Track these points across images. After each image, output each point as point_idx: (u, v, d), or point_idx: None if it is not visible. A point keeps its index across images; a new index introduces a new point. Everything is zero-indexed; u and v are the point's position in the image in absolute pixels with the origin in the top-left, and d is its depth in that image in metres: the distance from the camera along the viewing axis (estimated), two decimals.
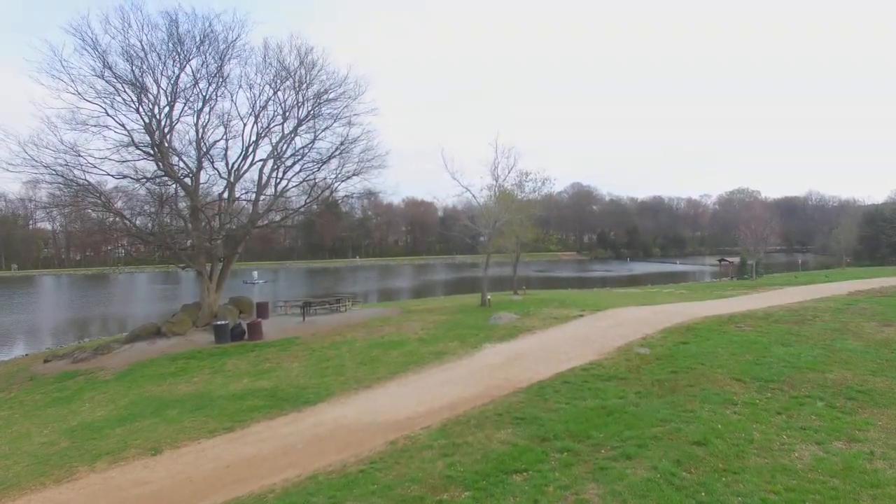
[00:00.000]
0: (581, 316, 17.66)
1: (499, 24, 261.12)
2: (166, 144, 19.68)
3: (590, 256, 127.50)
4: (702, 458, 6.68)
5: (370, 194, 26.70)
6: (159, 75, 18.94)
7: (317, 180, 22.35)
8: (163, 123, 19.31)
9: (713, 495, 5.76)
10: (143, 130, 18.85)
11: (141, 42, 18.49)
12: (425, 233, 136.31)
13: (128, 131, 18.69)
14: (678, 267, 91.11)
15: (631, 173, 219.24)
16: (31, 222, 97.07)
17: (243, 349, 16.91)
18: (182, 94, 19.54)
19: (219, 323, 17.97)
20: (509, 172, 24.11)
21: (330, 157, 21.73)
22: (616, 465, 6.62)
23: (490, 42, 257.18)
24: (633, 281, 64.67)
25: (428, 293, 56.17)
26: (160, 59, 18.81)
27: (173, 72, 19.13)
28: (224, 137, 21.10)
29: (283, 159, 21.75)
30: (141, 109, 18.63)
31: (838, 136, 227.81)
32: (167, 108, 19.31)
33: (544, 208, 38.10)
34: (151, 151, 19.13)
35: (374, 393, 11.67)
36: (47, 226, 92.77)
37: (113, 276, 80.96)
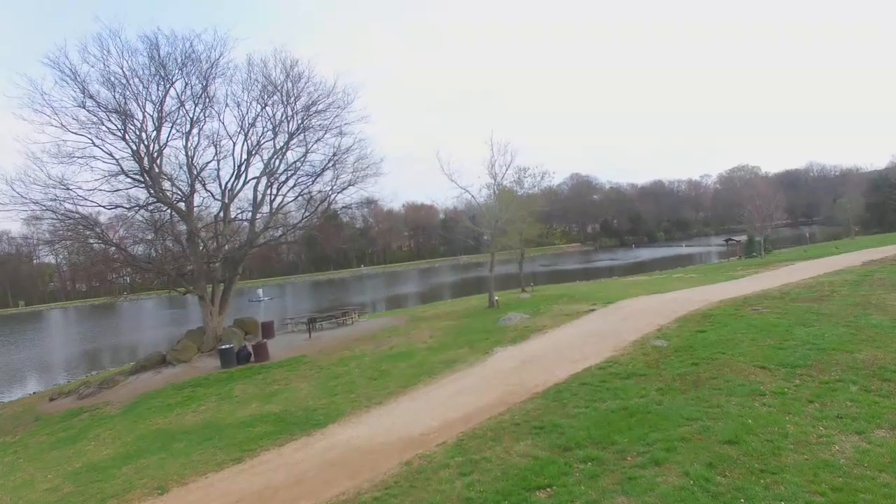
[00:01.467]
0: (592, 310, 17.23)
1: (488, 17, 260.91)
2: (156, 170, 19.39)
3: (594, 246, 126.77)
4: (735, 458, 6.25)
5: (368, 202, 26.36)
6: (143, 100, 18.67)
7: (312, 193, 22.05)
8: (151, 149, 19.01)
9: (753, 501, 5.34)
10: (132, 158, 18.56)
11: (122, 68, 18.23)
12: (428, 236, 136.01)
13: (116, 160, 18.44)
14: (684, 250, 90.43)
15: (629, 160, 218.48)
16: (35, 258, 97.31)
17: (250, 372, 16.56)
18: (168, 117, 19.26)
19: (223, 347, 17.64)
20: (507, 169, 23.74)
21: (323, 170, 21.43)
22: (645, 474, 6.20)
23: (481, 38, 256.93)
24: (640, 268, 64.05)
25: (436, 297, 55.68)
26: (143, 84, 18.56)
27: (158, 96, 18.86)
28: (215, 158, 20.84)
29: (276, 175, 21.45)
30: (127, 136, 18.35)
31: (834, 105, 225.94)
32: (154, 133, 19.04)
33: (546, 202, 37.71)
34: (142, 178, 18.82)
35: (386, 409, 11.28)
36: (51, 259, 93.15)
37: (119, 305, 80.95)
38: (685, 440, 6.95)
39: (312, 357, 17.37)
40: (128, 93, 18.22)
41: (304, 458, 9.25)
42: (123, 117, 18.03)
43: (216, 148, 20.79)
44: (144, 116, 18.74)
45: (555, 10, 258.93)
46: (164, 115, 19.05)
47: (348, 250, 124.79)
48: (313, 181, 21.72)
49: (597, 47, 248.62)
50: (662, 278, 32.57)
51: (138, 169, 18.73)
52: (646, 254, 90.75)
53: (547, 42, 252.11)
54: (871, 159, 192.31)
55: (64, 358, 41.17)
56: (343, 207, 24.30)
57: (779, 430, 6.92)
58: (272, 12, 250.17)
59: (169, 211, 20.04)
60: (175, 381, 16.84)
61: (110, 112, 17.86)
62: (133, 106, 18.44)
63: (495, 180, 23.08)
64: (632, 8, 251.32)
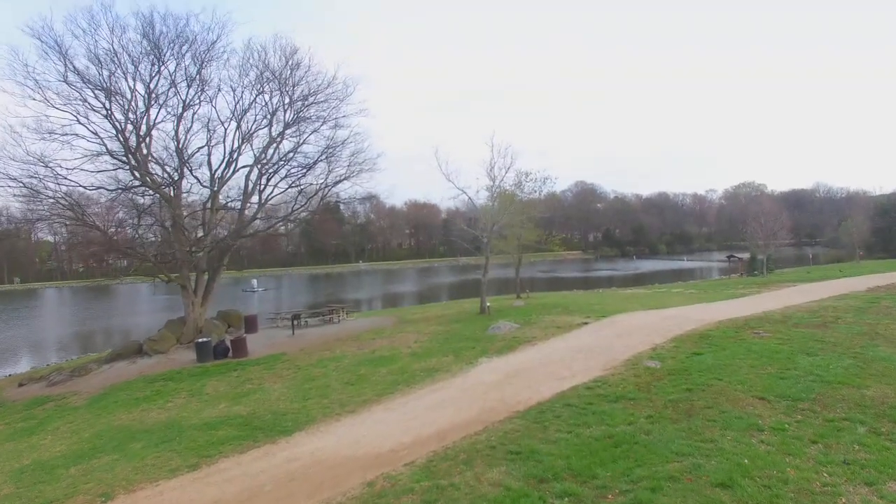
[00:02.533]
0: (585, 324, 16.53)
1: (500, 23, 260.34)
2: (144, 151, 18.73)
3: (595, 255, 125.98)
4: None
5: (366, 198, 25.69)
6: (133, 79, 18.00)
7: (302, 186, 21.38)
8: (140, 129, 18.34)
9: None
10: (116, 137, 17.85)
11: (112, 44, 17.53)
12: (429, 235, 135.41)
13: (101, 139, 17.77)
14: (685, 264, 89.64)
15: (635, 170, 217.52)
16: (33, 234, 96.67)
17: (226, 368, 15.91)
18: (158, 97, 18.56)
19: (200, 341, 16.98)
20: (506, 172, 23.05)
21: (315, 162, 20.76)
22: None
23: (490, 39, 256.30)
24: (640, 280, 63.37)
25: (432, 297, 55.09)
26: (132, 61, 17.84)
27: (149, 75, 18.18)
28: (206, 144, 20.16)
29: (267, 165, 20.78)
30: (113, 115, 17.65)
31: (844, 127, 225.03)
32: (143, 113, 18.36)
33: (546, 208, 37.02)
34: (125, 159, 18.13)
35: (358, 419, 10.61)
36: (50, 238, 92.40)
37: (115, 287, 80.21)
38: (673, 479, 6.28)
39: (292, 355, 16.71)
40: (117, 70, 17.58)
41: (263, 469, 8.59)
42: (109, 94, 17.36)
43: (208, 133, 20.17)
44: (133, 95, 18.10)
45: (573, 18, 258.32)
46: (154, 95, 18.41)
47: (347, 245, 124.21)
48: (305, 173, 21.10)
49: (609, 57, 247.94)
50: (661, 293, 31.84)
51: (123, 150, 18.05)
52: (646, 266, 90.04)
53: (561, 47, 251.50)
54: (880, 183, 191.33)
55: (51, 339, 40.56)
56: (338, 201, 23.50)
57: (778, 473, 6.24)
58: (275, 2, 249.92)
59: (155, 195, 19.38)
60: (148, 373, 16.20)
61: (96, 88, 17.19)
62: (122, 83, 17.81)
63: (494, 182, 22.42)
64: (649, 21, 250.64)
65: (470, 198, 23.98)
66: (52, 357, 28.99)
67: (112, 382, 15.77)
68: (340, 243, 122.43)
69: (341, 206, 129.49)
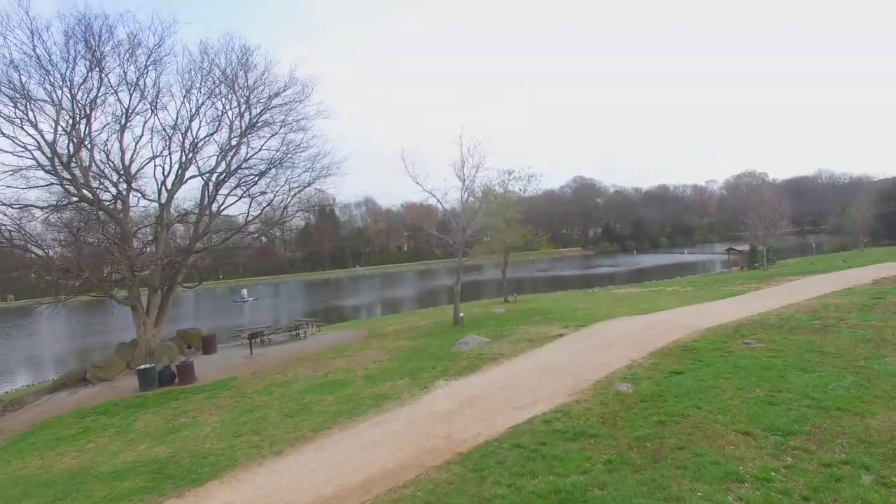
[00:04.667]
0: (561, 335, 15.04)
1: (495, 16, 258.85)
2: (86, 164, 17.34)
3: (595, 251, 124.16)
4: None
5: (319, 205, 24.18)
6: (57, 87, 16.51)
7: (254, 195, 19.96)
8: (75, 140, 16.91)
9: None
10: (40, 150, 16.42)
11: (35, 49, 16.00)
12: (427, 237, 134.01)
13: (30, 152, 16.37)
14: (686, 257, 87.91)
15: (635, 164, 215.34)
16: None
17: (167, 398, 14.52)
18: (93, 106, 17.12)
19: (143, 367, 15.59)
20: (476, 172, 21.60)
21: (267, 169, 19.35)
22: None
23: (487, 36, 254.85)
24: (639, 276, 61.76)
25: (430, 302, 53.53)
26: (53, 65, 16.41)
27: (76, 81, 16.72)
28: (153, 155, 18.78)
29: (222, 174, 19.40)
30: (33, 126, 16.21)
31: (846, 112, 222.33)
32: (73, 124, 16.91)
33: (531, 208, 35.65)
34: (54, 174, 16.68)
35: (284, 463, 9.20)
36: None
37: (108, 304, 78.82)
38: None
39: (242, 380, 15.33)
40: (44, 77, 16.14)
41: None
42: (26, 103, 15.96)
43: (152, 143, 18.72)
44: (61, 105, 16.64)
45: (567, 11, 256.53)
46: (86, 104, 16.98)
47: (345, 249, 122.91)
48: (257, 181, 19.67)
49: (606, 47, 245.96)
50: (655, 291, 30.31)
51: (50, 163, 16.59)
52: (647, 260, 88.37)
53: (555, 40, 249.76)
54: (883, 167, 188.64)
55: (18, 360, 39.22)
56: (298, 211, 22.01)
57: None
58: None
59: (96, 211, 17.96)
60: (84, 406, 14.83)
61: (15, 95, 15.70)
62: (43, 90, 16.28)
63: (464, 183, 20.94)
64: (645, 10, 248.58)
65: (438, 200, 22.57)
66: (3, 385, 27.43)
67: (44, 418, 14.41)
68: (338, 248, 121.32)
69: (336, 211, 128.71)
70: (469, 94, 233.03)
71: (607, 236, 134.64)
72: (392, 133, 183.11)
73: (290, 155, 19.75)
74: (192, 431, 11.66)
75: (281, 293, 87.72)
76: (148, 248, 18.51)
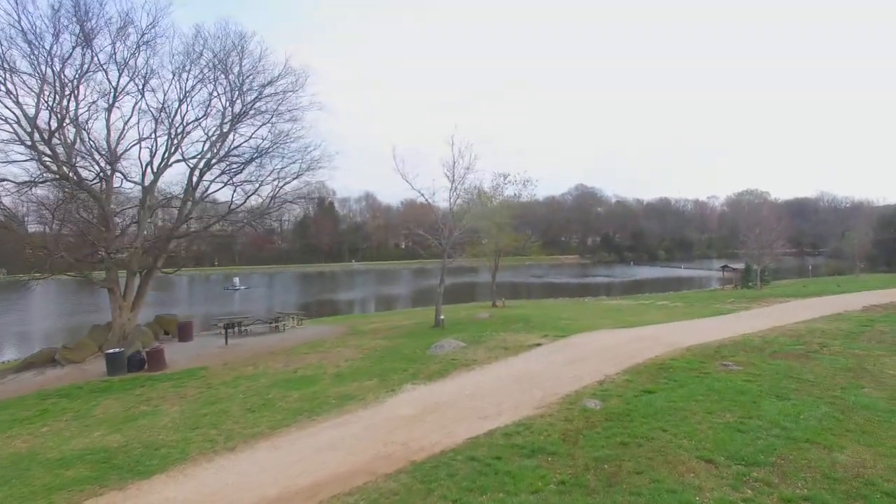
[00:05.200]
0: (538, 345, 14.72)
1: (501, 23, 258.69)
2: (69, 140, 16.99)
3: (593, 260, 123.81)
4: None
5: (308, 197, 23.82)
6: (42, 61, 16.13)
7: (237, 183, 19.59)
8: (60, 116, 16.54)
9: None
10: (19, 124, 16.01)
11: (20, 21, 15.58)
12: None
13: (10, 125, 15.97)
14: (682, 272, 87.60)
15: (638, 175, 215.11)
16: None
17: (133, 384, 14.20)
18: (72, 82, 16.69)
19: (111, 352, 15.26)
20: (466, 173, 21.31)
21: (253, 157, 19.01)
22: None
23: (494, 36, 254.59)
24: (632, 288, 61.48)
25: (421, 301, 53.17)
26: (39, 38, 15.98)
27: (69, 57, 16.35)
28: (140, 138, 18.42)
29: (209, 160, 19.05)
30: (14, 99, 15.81)
31: (850, 136, 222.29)
32: (59, 99, 16.55)
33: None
34: (33, 151, 16.29)
35: (235, 459, 8.89)
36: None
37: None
38: None
39: (211, 370, 15.02)
40: (20, 48, 15.66)
41: None
42: (5, 74, 15.54)
43: (138, 124, 18.34)
44: (44, 78, 16.27)
45: (567, 12, 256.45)
46: (72, 79, 16.61)
47: (342, 243, 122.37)
48: (242, 169, 19.32)
49: (609, 48, 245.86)
50: (644, 305, 30.01)
51: (30, 138, 16.20)
52: (643, 273, 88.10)
53: (556, 40, 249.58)
54: (885, 193, 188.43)
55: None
56: (285, 202, 21.61)
57: None
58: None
59: (77, 189, 17.60)
60: (47, 387, 14.50)
61: None
62: (28, 63, 15.83)
63: (453, 184, 20.62)
64: (656, 25, 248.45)
65: (427, 200, 22.25)
66: None
67: (4, 398, 14.07)
68: (335, 242, 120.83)
69: (336, 204, 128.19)
70: (470, 94, 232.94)
71: (606, 246, 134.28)
72: (393, 133, 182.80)
73: (278, 145, 19.47)
74: (151, 420, 11.35)
75: (275, 283, 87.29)
76: (128, 231, 18.15)
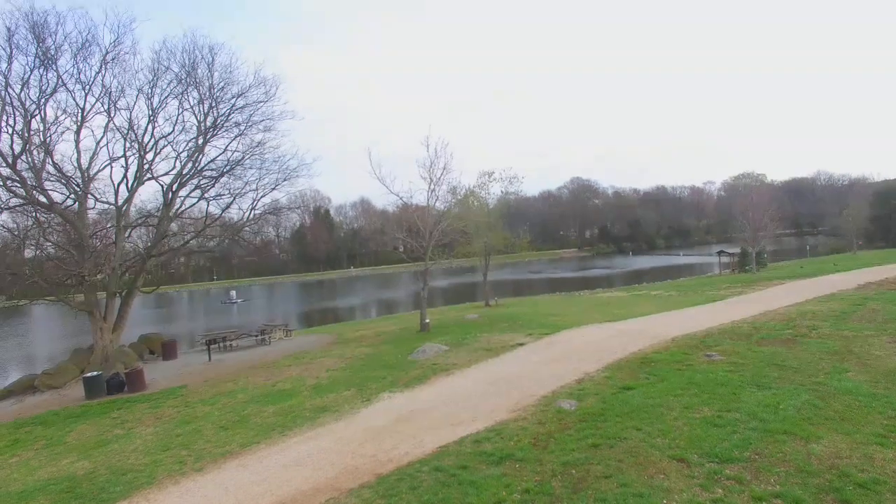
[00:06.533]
0: (521, 345, 14.44)
1: (495, 18, 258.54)
2: (37, 164, 16.72)
3: (591, 253, 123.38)
4: None
5: (282, 209, 23.49)
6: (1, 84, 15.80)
7: (209, 198, 19.31)
8: (28, 140, 16.26)
9: None
10: None
11: None
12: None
13: None
14: (681, 259, 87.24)
15: (634, 165, 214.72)
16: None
17: (111, 407, 13.93)
18: (35, 104, 16.39)
19: (89, 375, 15.00)
20: (442, 173, 21.06)
21: (222, 172, 18.70)
22: None
23: (484, 41, 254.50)
24: (632, 278, 61.15)
25: (419, 305, 52.76)
26: None
27: (27, 80, 16.08)
28: (110, 157, 18.16)
29: (185, 176, 18.79)
30: None
31: (845, 113, 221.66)
32: (23, 122, 16.25)
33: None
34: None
35: (201, 480, 8.62)
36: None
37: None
38: None
39: (191, 389, 14.75)
40: None
41: None
42: None
43: (108, 147, 18.03)
44: (2, 100, 15.94)
45: (567, 11, 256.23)
46: (33, 100, 16.36)
47: (340, 250, 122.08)
48: (213, 183, 19.03)
49: (605, 48, 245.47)
50: (638, 296, 29.72)
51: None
52: (642, 262, 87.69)
53: (555, 42, 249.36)
54: (881, 168, 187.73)
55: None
56: (262, 213, 21.31)
57: None
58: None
59: (47, 214, 17.33)
60: (24, 415, 14.23)
61: None
62: None
63: (432, 182, 20.31)
64: (646, 9, 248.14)
65: (405, 202, 21.96)
66: None
67: None
68: (333, 249, 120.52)
69: (331, 212, 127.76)
70: (470, 96, 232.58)
71: (604, 238, 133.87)
72: (392, 136, 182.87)
73: (249, 156, 19.21)
74: (123, 445, 11.07)
75: (273, 294, 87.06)
76: (105, 252, 17.82)
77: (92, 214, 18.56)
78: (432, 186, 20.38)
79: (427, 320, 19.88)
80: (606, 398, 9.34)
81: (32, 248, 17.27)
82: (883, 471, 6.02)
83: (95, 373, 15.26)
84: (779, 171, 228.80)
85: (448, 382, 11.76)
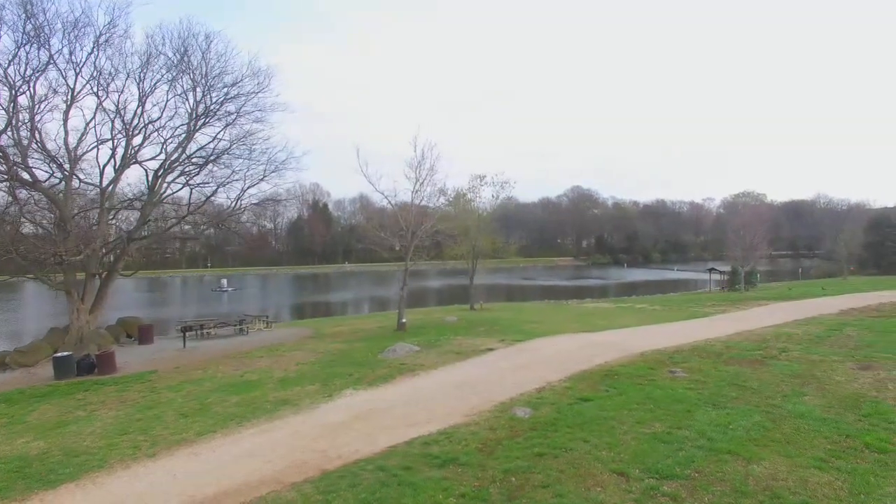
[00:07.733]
0: (491, 350, 14.47)
1: (494, 26, 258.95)
2: (24, 141, 16.69)
3: (587, 262, 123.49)
4: None
5: (268, 200, 23.50)
6: None
7: (193, 185, 19.33)
8: (13, 115, 16.25)
9: None
10: None
11: None
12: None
13: None
14: (675, 274, 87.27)
15: (635, 177, 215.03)
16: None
17: (77, 388, 13.92)
18: (23, 79, 16.39)
19: (59, 355, 14.98)
20: (427, 175, 21.13)
21: (208, 159, 18.69)
22: None
23: (491, 40, 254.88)
24: (623, 289, 61.22)
25: (410, 303, 52.68)
26: None
27: (14, 57, 16.04)
28: (97, 139, 18.15)
29: (173, 162, 18.78)
30: None
31: (848, 136, 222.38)
32: (9, 97, 16.28)
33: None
34: None
35: (152, 466, 8.62)
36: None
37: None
38: None
39: (161, 374, 14.75)
40: None
41: None
42: None
43: (96, 129, 18.00)
44: None
45: (581, 26, 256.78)
46: (21, 75, 16.33)
47: (337, 245, 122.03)
48: (199, 171, 19.05)
49: (613, 61, 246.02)
50: (623, 308, 29.75)
51: None
52: (636, 274, 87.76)
53: (557, 46, 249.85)
54: (879, 195, 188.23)
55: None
56: (250, 205, 21.33)
57: None
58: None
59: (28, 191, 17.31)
60: None
61: None
62: None
63: (418, 181, 20.34)
64: (655, 25, 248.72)
65: (390, 202, 22.00)
66: None
67: None
68: (330, 243, 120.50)
69: (329, 206, 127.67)
70: (470, 97, 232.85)
71: (601, 248, 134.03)
72: (391, 134, 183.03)
73: (236, 145, 19.23)
74: (81, 426, 11.06)
75: (266, 285, 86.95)
76: (87, 233, 17.79)
77: (78, 197, 18.54)
78: (416, 186, 20.37)
79: (404, 320, 19.89)
80: (562, 408, 9.36)
81: (9, 225, 17.20)
82: (814, 494, 6.04)
83: (66, 353, 15.24)
84: (779, 192, 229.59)
85: (412, 383, 11.77)
